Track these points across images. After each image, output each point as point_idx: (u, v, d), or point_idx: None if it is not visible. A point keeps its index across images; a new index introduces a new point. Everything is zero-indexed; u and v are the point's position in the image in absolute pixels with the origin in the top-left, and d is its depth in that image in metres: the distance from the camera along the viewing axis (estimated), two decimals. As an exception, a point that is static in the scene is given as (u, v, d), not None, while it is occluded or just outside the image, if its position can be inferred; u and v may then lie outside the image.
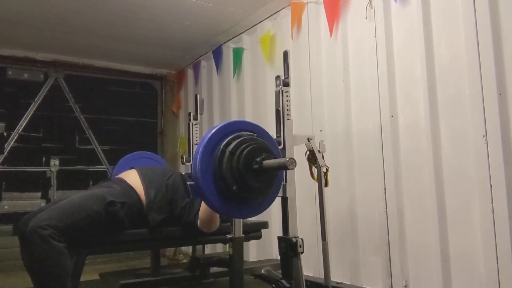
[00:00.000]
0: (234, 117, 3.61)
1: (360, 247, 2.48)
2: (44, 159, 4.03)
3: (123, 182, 2.06)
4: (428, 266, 2.12)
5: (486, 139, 1.88)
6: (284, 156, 1.75)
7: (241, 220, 2.02)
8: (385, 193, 2.33)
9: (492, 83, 1.87)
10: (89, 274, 2.91)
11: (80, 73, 4.30)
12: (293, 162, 1.46)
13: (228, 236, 2.04)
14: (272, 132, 1.79)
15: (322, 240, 1.98)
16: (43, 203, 3.88)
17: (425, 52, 2.17)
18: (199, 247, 2.94)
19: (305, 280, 1.80)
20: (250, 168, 1.51)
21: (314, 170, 2.01)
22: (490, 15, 1.90)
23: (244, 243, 2.05)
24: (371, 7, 2.46)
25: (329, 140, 2.50)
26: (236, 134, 1.56)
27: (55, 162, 4.07)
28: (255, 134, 1.61)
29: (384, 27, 2.38)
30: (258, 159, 1.51)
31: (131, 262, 3.94)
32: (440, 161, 2.10)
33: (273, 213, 2.76)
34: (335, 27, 2.69)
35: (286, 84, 1.83)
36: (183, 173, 2.38)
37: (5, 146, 3.88)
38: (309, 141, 1.96)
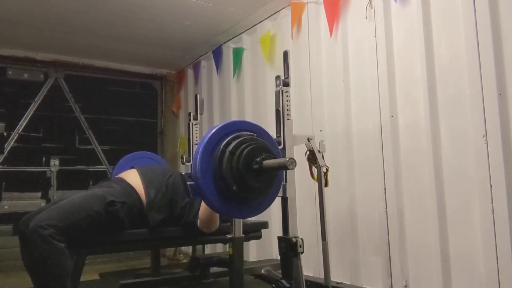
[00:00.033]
0: (234, 117, 3.61)
1: (360, 247, 2.48)
2: (44, 159, 4.03)
3: (123, 181, 2.06)
4: (428, 266, 2.12)
5: (486, 139, 1.88)
6: (284, 156, 1.75)
7: (241, 220, 2.02)
8: (385, 193, 2.33)
9: (492, 83, 1.87)
10: (89, 274, 2.91)
11: (80, 73, 4.30)
12: (293, 162, 1.46)
13: (228, 236, 2.04)
14: (272, 132, 1.79)
15: (322, 240, 1.98)
16: (43, 203, 3.88)
17: (425, 52, 2.17)
18: (199, 247, 2.94)
19: (305, 280, 1.80)
20: (250, 168, 1.51)
21: (314, 170, 2.01)
22: (490, 15, 1.90)
23: (244, 243, 2.06)
24: (371, 7, 2.46)
25: (329, 140, 2.50)
26: (236, 134, 1.56)
27: (55, 162, 4.07)
28: (255, 134, 1.61)
29: (384, 27, 2.38)
30: (258, 159, 1.51)
31: (131, 262, 3.94)
32: (440, 161, 2.10)
33: (273, 213, 2.76)
34: (335, 27, 2.69)
35: (286, 84, 1.83)
36: (183, 173, 2.38)
37: (5, 146, 3.88)
38: (309, 141, 1.96)
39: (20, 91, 4.00)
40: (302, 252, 1.76)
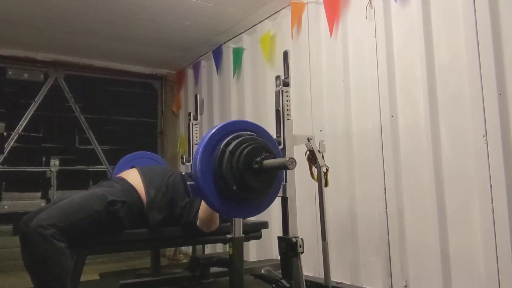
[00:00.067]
0: (234, 117, 3.61)
1: (360, 247, 2.48)
2: (44, 159, 4.03)
3: (123, 181, 2.06)
4: (428, 266, 2.12)
5: (486, 139, 1.88)
6: (284, 156, 1.75)
7: (241, 220, 2.02)
8: (385, 193, 2.34)
9: (492, 83, 1.87)
10: (89, 274, 2.90)
11: (80, 73, 4.30)
12: (293, 161, 1.46)
13: (228, 236, 2.04)
14: (272, 132, 1.79)
15: (322, 240, 1.98)
16: (43, 203, 3.88)
17: (425, 52, 2.17)
18: (199, 247, 2.94)
19: (305, 280, 1.80)
20: (250, 168, 1.51)
21: (314, 170, 2.01)
22: (490, 15, 1.90)
23: (244, 243, 2.05)
24: (371, 7, 2.46)
25: (329, 140, 2.50)
26: (236, 134, 1.56)
27: (55, 162, 4.07)
28: (255, 134, 1.61)
29: (384, 27, 2.38)
30: (258, 158, 1.51)
31: (131, 262, 3.94)
32: (440, 161, 2.10)
33: (273, 213, 2.76)
34: (335, 27, 2.69)
35: (286, 84, 1.83)
36: (183, 173, 2.39)
37: (5, 146, 3.88)
38: (309, 141, 1.96)
39: (20, 91, 4.00)
40: (302, 252, 1.76)
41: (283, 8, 3.10)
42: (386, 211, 2.32)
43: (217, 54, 3.88)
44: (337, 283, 2.48)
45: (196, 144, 2.65)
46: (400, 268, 2.24)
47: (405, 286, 2.22)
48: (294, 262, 1.74)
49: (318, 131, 2.72)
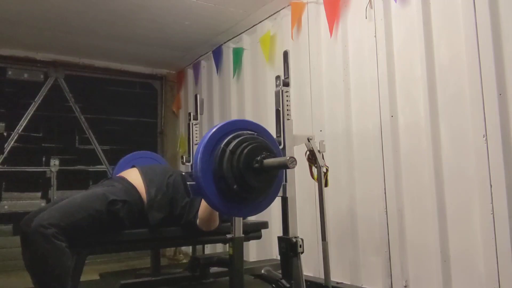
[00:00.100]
0: (234, 117, 3.61)
1: (360, 247, 2.48)
2: (44, 159, 4.03)
3: (124, 180, 2.06)
4: (428, 266, 2.12)
5: (486, 139, 1.88)
6: (284, 156, 1.75)
7: (241, 220, 2.02)
8: (385, 193, 2.34)
9: (492, 83, 1.87)
10: (89, 274, 2.90)
11: (80, 73, 4.30)
12: (293, 161, 1.46)
13: (228, 236, 2.04)
14: (272, 132, 1.79)
15: (322, 240, 1.98)
16: (43, 203, 3.88)
17: (425, 52, 2.17)
18: (199, 247, 2.94)
19: (305, 280, 1.80)
20: (251, 167, 1.51)
21: (314, 170, 2.01)
22: (490, 15, 1.90)
23: (244, 243, 2.05)
24: (371, 7, 2.46)
25: (329, 140, 2.50)
26: (236, 133, 1.56)
27: (55, 162, 4.07)
28: (256, 133, 1.61)
29: (384, 27, 2.38)
30: (258, 158, 1.51)
31: (131, 262, 3.94)
32: (440, 161, 2.10)
33: (273, 213, 2.76)
34: (335, 27, 2.69)
35: (286, 84, 1.83)
36: (183, 173, 2.39)
37: (5, 146, 3.88)
38: (309, 141, 1.96)
39: (20, 91, 4.00)
40: (302, 252, 1.76)
41: (283, 8, 3.10)
42: (386, 211, 2.32)
43: (217, 54, 3.88)
44: (337, 283, 2.48)
45: (196, 144, 2.65)
46: (400, 268, 2.24)
47: (405, 286, 2.22)
48: (294, 262, 1.74)
49: (318, 131, 2.72)
